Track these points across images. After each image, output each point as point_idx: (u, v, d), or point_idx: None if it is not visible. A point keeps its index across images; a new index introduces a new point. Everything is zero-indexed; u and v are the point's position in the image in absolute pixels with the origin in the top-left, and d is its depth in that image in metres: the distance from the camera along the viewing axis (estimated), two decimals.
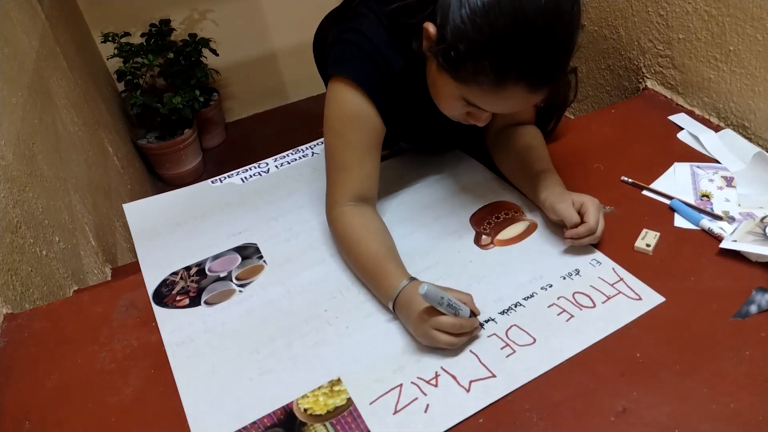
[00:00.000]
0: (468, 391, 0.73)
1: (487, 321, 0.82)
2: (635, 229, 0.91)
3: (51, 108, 1.62)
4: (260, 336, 0.85)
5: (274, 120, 3.10)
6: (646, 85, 1.22)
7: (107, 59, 2.67)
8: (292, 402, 0.75)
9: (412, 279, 0.81)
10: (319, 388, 0.76)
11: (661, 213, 0.95)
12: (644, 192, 0.98)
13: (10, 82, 1.34)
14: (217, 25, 2.93)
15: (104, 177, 1.97)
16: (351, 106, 0.88)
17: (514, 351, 0.77)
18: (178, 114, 2.63)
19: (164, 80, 2.79)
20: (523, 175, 0.99)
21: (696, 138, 1.06)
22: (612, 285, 0.84)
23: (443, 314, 0.75)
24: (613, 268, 0.87)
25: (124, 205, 1.17)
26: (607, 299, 0.82)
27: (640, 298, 0.82)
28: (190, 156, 2.81)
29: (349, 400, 0.75)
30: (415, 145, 1.06)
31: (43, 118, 1.51)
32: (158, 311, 0.91)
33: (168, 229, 1.08)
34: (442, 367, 0.77)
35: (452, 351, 0.78)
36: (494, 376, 0.75)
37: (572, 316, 0.81)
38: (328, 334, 0.84)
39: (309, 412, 0.74)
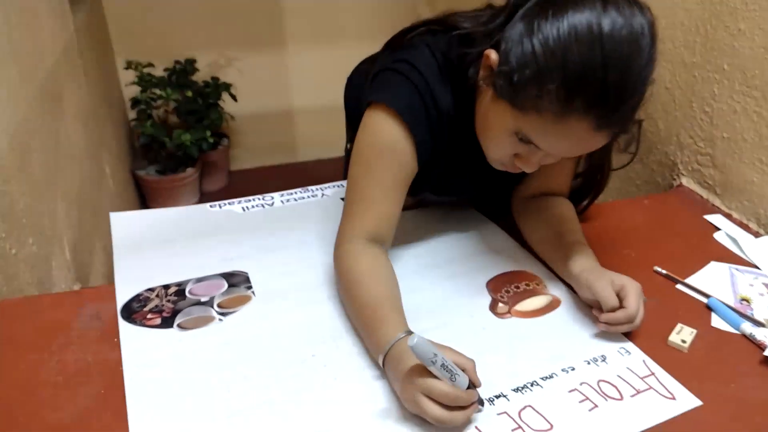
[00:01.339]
0: None
1: (498, 396, 0.71)
2: (668, 322, 0.82)
3: (58, 113, 1.56)
4: (234, 372, 0.73)
5: (279, 175, 3.04)
6: (680, 182, 1.17)
7: (125, 86, 2.65)
8: None
9: (411, 333, 0.71)
10: None
11: (697, 310, 0.86)
12: (678, 286, 0.90)
13: (23, 75, 1.28)
14: (241, 73, 2.95)
15: (95, 195, 1.88)
16: (387, 137, 0.81)
17: None
18: (183, 151, 2.58)
19: (178, 118, 2.76)
20: (553, 245, 0.90)
21: (734, 241, 0.99)
22: (642, 379, 0.74)
23: (436, 378, 0.64)
24: (644, 361, 0.77)
25: (111, 214, 1.07)
26: (637, 393, 0.72)
27: (674, 398, 0.71)
28: (187, 195, 2.73)
29: None
30: (441, 197, 0.98)
31: (47, 120, 1.44)
32: (124, 327, 0.80)
33: (153, 245, 0.98)
34: None
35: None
36: None
37: (596, 405, 0.70)
38: (312, 382, 0.72)
39: None
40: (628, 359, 0.77)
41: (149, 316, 0.81)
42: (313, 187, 1.20)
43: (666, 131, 1.19)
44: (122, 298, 0.85)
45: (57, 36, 1.67)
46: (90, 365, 0.74)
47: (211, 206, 1.11)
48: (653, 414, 0.69)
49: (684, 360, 0.77)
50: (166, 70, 2.71)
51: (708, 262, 0.95)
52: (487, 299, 0.87)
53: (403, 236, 0.99)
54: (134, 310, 0.82)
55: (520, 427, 0.67)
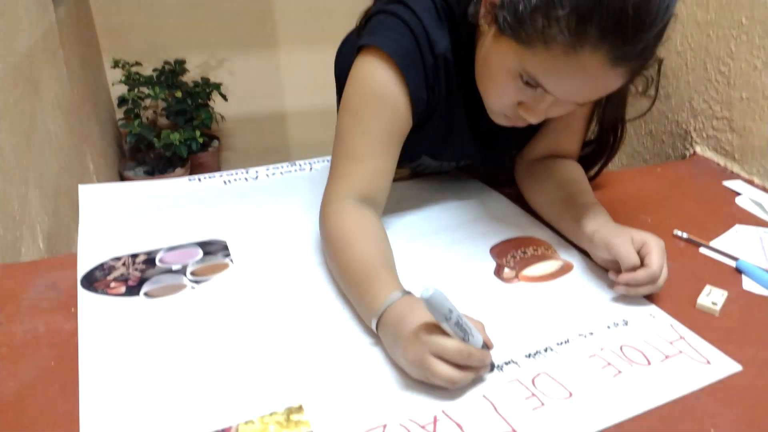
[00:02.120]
0: None
1: (507, 363, 0.62)
2: (694, 286, 0.73)
3: (33, 99, 1.48)
4: (206, 341, 0.64)
5: None
6: (694, 151, 1.09)
7: (113, 85, 2.58)
8: (229, 428, 0.53)
9: (408, 293, 0.62)
10: (272, 414, 0.55)
11: (726, 273, 0.77)
12: (702, 249, 0.81)
13: None
14: (232, 75, 2.88)
15: (76, 190, 1.79)
16: (378, 83, 0.73)
17: (543, 404, 0.57)
18: (173, 152, 2.50)
19: (167, 119, 2.69)
20: (562, 206, 0.82)
21: (758, 205, 0.91)
22: (671, 343, 0.65)
23: (447, 336, 0.55)
24: (672, 325, 0.68)
25: (80, 186, 0.99)
26: (666, 358, 0.63)
27: (709, 363, 0.62)
28: None
29: None
30: (440, 162, 0.90)
31: (21, 103, 1.36)
32: (83, 295, 0.70)
33: (124, 216, 0.89)
34: (443, 411, 0.56)
35: (455, 392, 0.57)
36: (515, 431, 0.54)
37: (620, 371, 0.61)
38: (296, 350, 0.63)
39: None
40: (653, 323, 0.68)
41: (113, 284, 0.72)
42: (301, 162, 1.12)
43: (677, 98, 1.11)
44: (84, 267, 0.76)
45: (34, 21, 1.59)
46: (40, 336, 0.65)
47: (190, 179, 1.03)
48: (688, 380, 0.60)
49: (716, 323, 0.68)
50: (155, 70, 2.64)
51: (731, 226, 0.87)
52: (491, 265, 0.78)
53: (398, 205, 0.91)
54: (96, 279, 0.73)
55: (534, 395, 0.58)
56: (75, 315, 0.68)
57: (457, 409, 0.56)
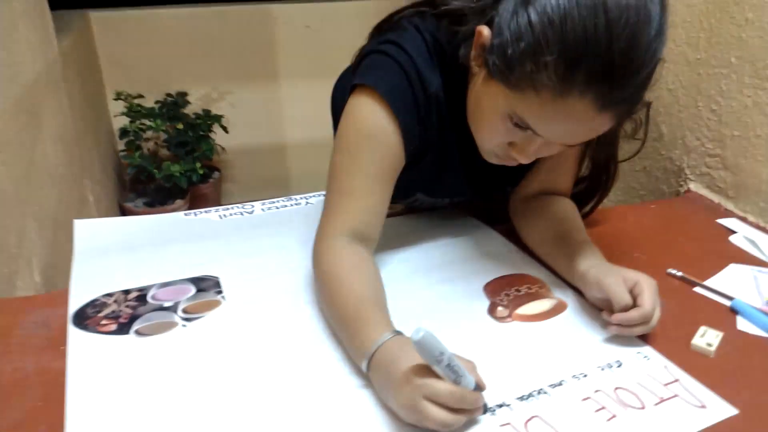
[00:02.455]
0: None
1: (500, 406, 0.61)
2: (689, 326, 0.73)
3: (34, 131, 1.49)
4: (196, 381, 0.63)
5: None
6: (688, 188, 1.10)
7: (114, 117, 2.60)
8: None
9: (399, 333, 0.62)
10: None
11: (720, 313, 0.77)
12: (697, 289, 0.81)
13: None
14: (234, 107, 2.91)
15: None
16: (371, 122, 0.74)
17: None
18: (173, 183, 2.51)
19: (168, 150, 2.71)
20: (555, 244, 0.82)
21: (753, 243, 0.91)
22: (665, 386, 0.64)
23: (438, 378, 0.55)
24: (666, 366, 0.67)
25: (75, 221, 0.99)
26: (661, 401, 0.62)
27: (705, 407, 0.61)
28: None
29: None
30: (434, 199, 0.90)
31: (22, 135, 1.37)
32: (73, 333, 0.70)
33: (118, 252, 0.89)
34: None
35: None
36: None
37: (614, 415, 0.60)
38: (287, 391, 0.62)
39: None
40: (648, 365, 0.67)
41: (104, 322, 0.72)
42: (297, 196, 1.12)
43: (670, 135, 1.12)
44: (76, 303, 0.75)
45: (37, 54, 1.62)
46: (29, 375, 0.64)
47: (185, 214, 1.03)
48: (682, 424, 0.59)
49: (711, 365, 0.68)
50: (156, 102, 2.67)
51: (726, 265, 0.86)
52: (485, 303, 0.78)
53: (391, 242, 0.91)
54: (88, 316, 0.73)
55: None
56: (64, 354, 0.67)
57: None
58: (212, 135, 2.73)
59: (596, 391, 0.63)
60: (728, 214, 1.01)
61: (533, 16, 0.59)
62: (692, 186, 1.09)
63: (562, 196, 0.90)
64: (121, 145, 2.63)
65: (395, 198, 0.85)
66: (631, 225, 0.98)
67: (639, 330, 0.68)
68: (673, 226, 0.98)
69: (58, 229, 1.58)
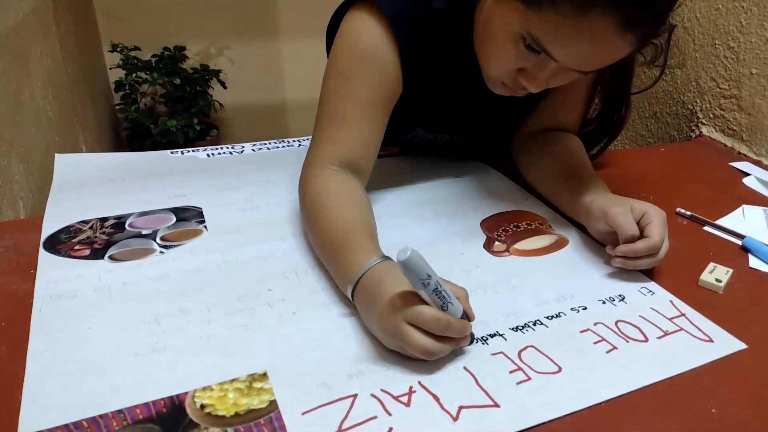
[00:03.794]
0: (455, 419, 0.48)
1: (492, 335, 0.57)
2: (697, 264, 0.69)
3: (21, 71, 1.44)
4: (169, 305, 0.59)
5: None
6: (700, 132, 1.04)
7: (110, 69, 2.54)
8: (185, 393, 0.49)
9: (387, 258, 0.58)
10: (233, 381, 0.51)
11: (731, 251, 0.72)
12: (706, 228, 0.77)
13: None
14: (233, 63, 2.84)
15: None
16: (367, 42, 0.69)
17: (529, 378, 0.52)
18: (169, 139, 2.46)
19: (165, 106, 2.65)
20: (558, 178, 0.77)
21: (767, 185, 0.86)
22: (670, 320, 0.60)
23: (425, 304, 0.51)
24: (671, 301, 0.63)
25: (56, 155, 0.95)
26: (665, 335, 0.58)
27: (712, 341, 0.57)
28: None
29: (273, 403, 0.48)
30: (434, 134, 0.85)
31: (7, 75, 1.32)
32: (44, 257, 0.66)
33: (98, 183, 0.85)
34: (419, 382, 0.51)
35: (433, 363, 0.53)
36: (496, 405, 0.49)
37: (615, 347, 0.56)
38: (265, 317, 0.58)
39: (207, 411, 0.48)
40: (652, 299, 0.63)
41: (77, 247, 0.68)
42: (290, 138, 1.07)
43: (683, 77, 1.06)
44: (49, 229, 0.71)
45: None
46: None
47: (172, 152, 0.99)
48: (688, 357, 0.55)
49: (720, 301, 0.64)
50: (154, 56, 2.61)
51: (738, 206, 0.82)
52: (482, 238, 0.73)
53: (385, 179, 0.86)
54: (61, 241, 0.69)
55: (520, 368, 0.53)
56: (33, 277, 0.63)
57: (434, 381, 0.51)
58: (210, 91, 2.67)
59: (596, 323, 0.59)
60: (741, 157, 0.96)
61: None
62: (704, 130, 1.04)
63: (568, 133, 0.85)
64: (117, 99, 2.58)
65: (392, 134, 0.81)
66: (639, 167, 0.93)
67: (645, 263, 0.64)
68: (683, 168, 0.93)
69: (46, 174, 1.54)
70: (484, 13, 0.65)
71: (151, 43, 2.63)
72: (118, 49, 2.48)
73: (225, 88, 2.69)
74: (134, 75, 2.47)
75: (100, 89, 2.48)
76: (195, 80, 2.59)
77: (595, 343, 0.57)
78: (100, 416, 0.47)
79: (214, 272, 0.65)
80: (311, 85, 3.21)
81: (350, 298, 0.58)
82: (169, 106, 2.62)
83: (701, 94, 1.03)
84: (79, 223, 0.73)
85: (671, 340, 0.57)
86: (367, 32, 0.69)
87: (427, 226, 0.76)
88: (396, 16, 0.68)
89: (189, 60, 2.72)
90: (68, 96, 1.89)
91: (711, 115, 1.02)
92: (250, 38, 2.85)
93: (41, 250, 0.67)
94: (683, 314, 0.61)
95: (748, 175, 0.90)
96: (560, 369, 0.53)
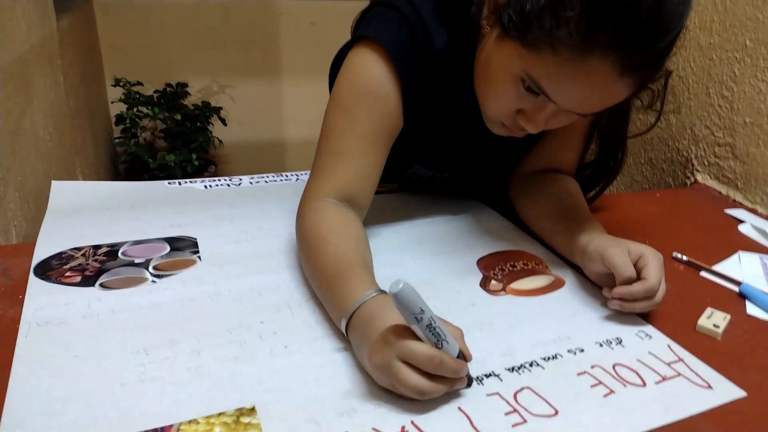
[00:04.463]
0: None
1: (487, 376, 0.56)
2: (694, 309, 0.68)
3: (23, 100, 1.45)
4: (157, 335, 0.58)
5: None
6: (695, 179, 1.05)
7: (111, 102, 2.57)
8: (170, 426, 0.47)
9: (383, 292, 0.57)
10: (220, 414, 0.49)
11: (728, 297, 0.72)
12: (703, 273, 0.76)
13: None
14: (234, 101, 2.88)
15: None
16: (370, 78, 0.70)
17: (525, 420, 0.51)
18: (167, 173, 2.47)
19: (164, 141, 2.67)
20: (555, 219, 0.77)
21: (763, 233, 0.86)
22: (669, 365, 0.59)
23: (418, 340, 0.50)
24: (669, 346, 0.62)
25: (53, 182, 0.94)
26: (663, 380, 0.57)
27: (711, 387, 0.56)
28: None
29: None
30: (433, 171, 0.85)
31: (8, 103, 1.33)
32: (33, 282, 0.65)
33: (93, 211, 0.84)
34: (412, 422, 0.50)
35: (427, 403, 0.51)
36: None
37: (612, 391, 0.55)
38: (256, 349, 0.57)
39: None
40: (650, 343, 0.62)
41: (68, 274, 0.67)
42: (288, 173, 1.07)
43: (678, 125, 1.08)
44: (41, 255, 0.71)
45: (33, 26, 1.58)
46: None
47: (169, 183, 0.99)
48: (686, 403, 0.54)
49: (718, 347, 0.63)
50: (156, 92, 2.64)
51: (734, 252, 0.82)
52: (478, 276, 0.73)
53: (382, 214, 0.86)
54: (51, 267, 0.68)
55: (515, 410, 0.52)
56: (21, 302, 0.62)
57: (427, 421, 0.50)
58: (210, 128, 2.69)
59: (593, 366, 0.58)
60: (736, 205, 0.97)
61: None
62: (699, 177, 1.04)
63: (565, 175, 0.85)
64: (117, 132, 2.59)
65: (391, 170, 0.81)
66: (635, 211, 0.94)
67: (642, 306, 0.64)
68: (679, 214, 0.94)
69: (42, 205, 1.54)
70: (485, 53, 0.66)
71: (154, 78, 2.66)
72: (121, 84, 2.51)
73: (225, 125, 2.72)
74: (135, 109, 2.49)
75: (100, 122, 2.50)
76: (196, 116, 2.62)
77: (592, 386, 0.55)
78: None
79: (206, 303, 0.64)
80: (311, 124, 3.26)
81: (344, 332, 0.57)
82: (168, 141, 2.63)
83: (696, 141, 1.04)
84: (71, 249, 0.72)
85: (670, 385, 0.56)
86: (370, 68, 0.70)
87: (423, 262, 0.75)
88: (399, 54, 0.69)
89: (191, 96, 2.75)
90: (68, 127, 1.90)
91: (706, 163, 1.03)
92: (253, 77, 2.90)
93: (31, 276, 0.66)
94: (681, 359, 0.60)
95: (743, 222, 0.90)
96: (557, 412, 0.52)
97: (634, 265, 0.64)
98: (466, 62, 0.71)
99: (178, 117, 2.59)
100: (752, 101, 0.93)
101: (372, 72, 0.70)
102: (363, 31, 0.71)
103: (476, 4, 0.67)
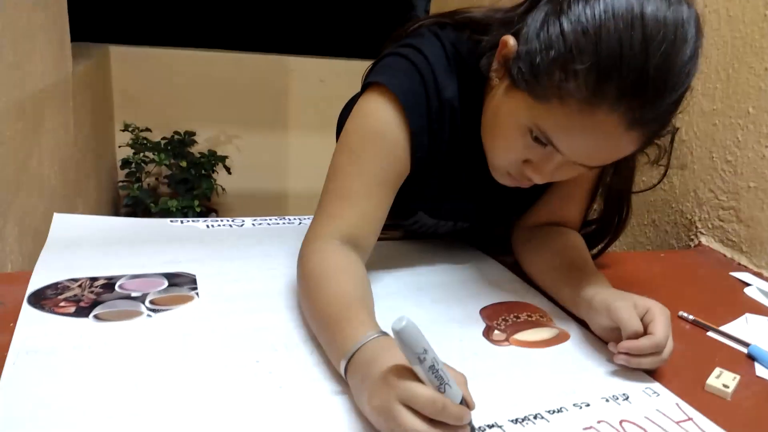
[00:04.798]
0: None
1: (490, 426, 0.54)
2: (702, 368, 0.66)
3: (32, 140, 1.47)
4: (149, 369, 0.56)
5: None
6: (699, 242, 1.05)
7: (119, 147, 2.60)
8: None
9: (384, 334, 0.55)
10: None
11: (736, 358, 0.70)
12: (710, 333, 0.75)
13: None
14: (240, 151, 2.92)
15: None
16: (379, 121, 0.70)
17: None
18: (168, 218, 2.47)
19: (168, 187, 2.69)
20: (560, 273, 0.76)
21: None
22: (678, 423, 0.57)
23: (420, 383, 0.48)
24: (677, 404, 0.60)
25: (55, 215, 0.94)
26: None
27: None
28: None
29: None
30: (436, 219, 0.85)
31: (17, 140, 1.35)
32: (26, 311, 0.64)
33: (92, 244, 0.83)
34: None
35: None
36: None
37: None
38: (250, 389, 0.55)
39: None
40: (658, 401, 0.60)
41: (62, 304, 0.66)
42: (291, 216, 1.07)
43: (682, 187, 1.08)
44: (36, 284, 0.69)
45: (49, 69, 1.62)
46: None
47: (171, 221, 0.98)
48: None
49: (727, 408, 0.61)
50: (164, 139, 2.67)
51: (741, 314, 0.80)
52: (481, 326, 0.71)
53: (385, 261, 0.85)
54: (46, 297, 0.67)
55: None
56: (12, 330, 0.60)
57: None
58: (214, 175, 2.71)
59: (599, 421, 0.56)
60: (741, 268, 0.96)
61: (566, 26, 0.57)
62: (703, 240, 1.04)
63: (570, 229, 0.85)
64: (121, 176, 2.61)
65: (395, 217, 0.81)
66: (639, 270, 0.93)
67: (649, 361, 0.62)
68: (684, 274, 0.93)
69: (40, 242, 1.53)
70: (494, 103, 0.67)
71: (162, 125, 2.71)
72: (130, 129, 2.54)
73: (230, 173, 2.74)
74: (142, 154, 2.52)
75: (106, 165, 2.52)
76: (201, 164, 2.64)
77: None
78: None
79: (201, 339, 0.62)
80: (314, 177, 3.26)
81: (343, 374, 0.55)
82: (172, 187, 2.65)
83: (699, 204, 1.05)
84: (67, 280, 0.71)
85: None
86: (380, 112, 0.71)
87: (425, 310, 0.74)
88: (409, 101, 0.70)
89: (198, 145, 2.79)
90: (73, 168, 1.91)
91: (710, 225, 1.03)
92: (260, 129, 2.94)
93: (24, 304, 0.65)
94: (690, 418, 0.58)
95: (749, 285, 0.89)
96: None
97: (641, 320, 0.63)
98: (474, 112, 0.72)
99: (184, 164, 2.61)
100: (756, 166, 0.94)
101: (382, 116, 0.70)
102: (374, 78, 0.72)
103: (486, 56, 0.69)
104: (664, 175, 0.75)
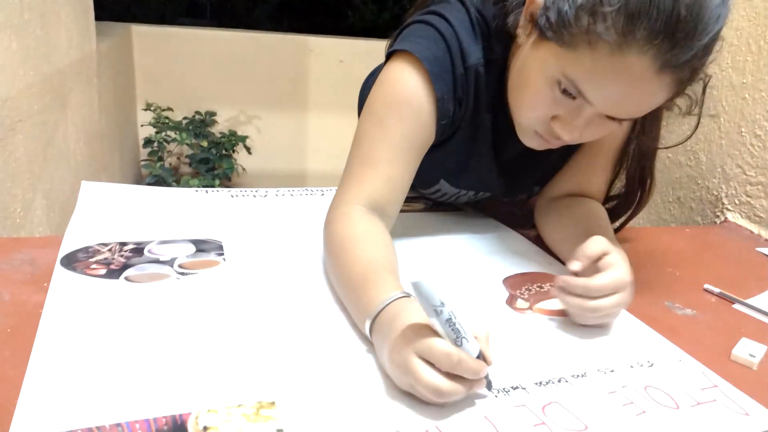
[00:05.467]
0: None
1: (514, 388, 0.54)
2: (727, 339, 0.66)
3: (58, 114, 1.49)
4: (179, 330, 0.57)
5: None
6: (725, 218, 1.03)
7: (141, 126, 2.63)
8: (188, 413, 0.46)
9: (408, 295, 0.55)
10: (239, 405, 0.48)
11: (763, 331, 0.69)
12: (736, 306, 0.74)
13: (25, 53, 1.23)
14: (260, 131, 2.93)
15: None
16: (405, 89, 0.70)
17: None
18: None
19: (189, 167, 2.71)
20: (580, 241, 0.76)
21: None
22: (703, 390, 0.57)
23: (439, 338, 0.48)
24: (703, 372, 0.60)
25: (83, 182, 0.95)
26: (698, 404, 0.55)
27: (747, 414, 0.54)
28: None
29: None
30: (458, 189, 0.85)
31: (45, 114, 1.37)
32: (59, 272, 0.65)
33: (121, 211, 0.85)
34: (437, 427, 0.48)
35: (451, 408, 0.50)
36: None
37: (644, 411, 0.53)
38: (278, 345, 0.56)
39: None
40: (682, 368, 0.60)
41: (93, 266, 0.67)
42: (313, 188, 1.08)
43: (708, 163, 1.07)
44: (68, 248, 0.71)
45: (74, 45, 1.64)
46: (4, 303, 0.59)
47: (196, 190, 0.99)
48: (723, 429, 0.52)
49: (753, 377, 0.60)
50: (185, 118, 2.70)
51: (766, 288, 0.79)
52: (504, 294, 0.72)
53: (408, 231, 0.85)
54: (78, 259, 0.68)
55: (544, 423, 0.50)
56: (46, 290, 0.62)
57: (452, 427, 0.48)
58: (235, 155, 2.73)
59: (624, 386, 0.56)
60: None
61: None
62: (729, 216, 1.03)
63: (592, 200, 0.84)
64: (143, 155, 2.64)
65: (416, 186, 0.81)
66: (663, 245, 0.92)
67: (574, 302, 0.62)
68: (709, 249, 0.92)
69: (66, 215, 1.56)
70: (520, 61, 0.67)
71: (183, 105, 2.73)
72: (152, 108, 2.57)
73: (250, 153, 2.76)
74: (164, 134, 2.54)
75: (128, 143, 2.55)
76: (222, 144, 2.66)
77: (624, 405, 0.53)
78: (97, 428, 0.44)
79: (230, 301, 0.63)
80: (333, 158, 3.30)
81: (368, 334, 0.56)
82: (193, 167, 2.67)
83: (727, 180, 1.03)
84: (98, 244, 0.72)
85: (705, 409, 0.54)
86: (406, 79, 0.71)
87: (447, 277, 0.74)
88: (435, 68, 0.70)
89: (218, 125, 2.81)
90: (99, 144, 1.94)
91: (737, 201, 1.01)
92: (280, 109, 2.95)
93: (57, 266, 0.66)
94: (716, 386, 0.58)
95: None
96: (587, 427, 0.50)
97: (598, 265, 0.63)
98: (498, 80, 0.72)
99: (205, 144, 2.64)
100: None
101: (407, 83, 0.70)
102: (399, 46, 0.72)
103: (513, 15, 0.68)
104: (697, 125, 0.73)
